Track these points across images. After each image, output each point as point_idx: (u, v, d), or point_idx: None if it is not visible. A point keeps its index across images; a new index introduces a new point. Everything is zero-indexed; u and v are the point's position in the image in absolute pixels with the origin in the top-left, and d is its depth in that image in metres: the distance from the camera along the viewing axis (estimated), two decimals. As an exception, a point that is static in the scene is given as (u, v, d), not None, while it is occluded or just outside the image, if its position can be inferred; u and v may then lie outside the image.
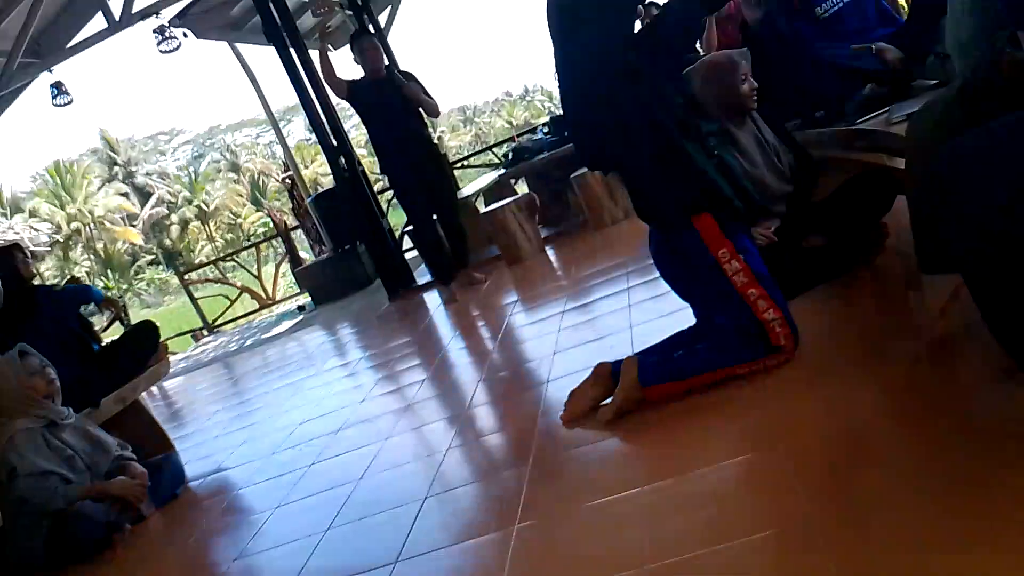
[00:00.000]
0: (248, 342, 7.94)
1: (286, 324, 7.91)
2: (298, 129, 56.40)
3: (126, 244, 40.58)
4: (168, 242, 44.10)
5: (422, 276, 6.70)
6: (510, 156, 6.77)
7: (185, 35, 6.24)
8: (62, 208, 38.50)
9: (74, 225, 38.02)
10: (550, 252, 5.92)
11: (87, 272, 35.93)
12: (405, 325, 5.54)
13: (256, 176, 49.90)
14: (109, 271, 37.66)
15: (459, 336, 4.61)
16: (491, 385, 3.40)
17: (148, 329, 4.69)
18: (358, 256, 8.04)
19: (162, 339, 4.84)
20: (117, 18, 6.06)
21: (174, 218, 44.37)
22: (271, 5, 6.01)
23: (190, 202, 45.32)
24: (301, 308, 8.30)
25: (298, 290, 9.43)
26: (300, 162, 49.33)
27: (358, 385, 4.35)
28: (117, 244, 40.10)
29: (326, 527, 2.54)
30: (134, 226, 41.71)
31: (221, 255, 11.46)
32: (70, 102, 6.67)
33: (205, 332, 9.41)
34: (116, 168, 44.45)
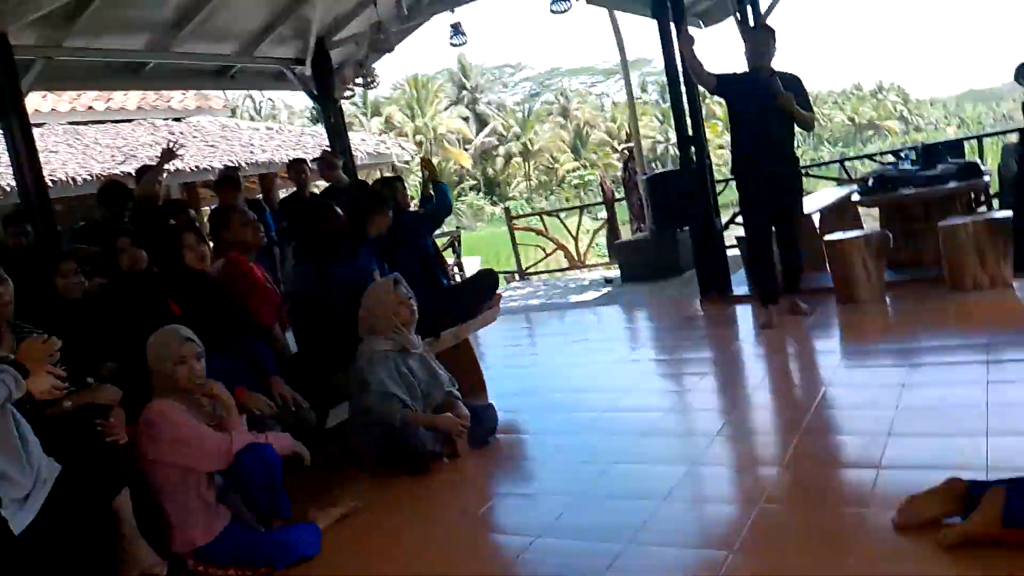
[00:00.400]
0: (552, 299, 8.37)
1: (591, 295, 8.20)
2: (632, 81, 57.10)
3: (456, 166, 44.38)
4: (491, 172, 47.57)
5: (739, 284, 6.53)
6: (870, 181, 6.25)
7: (578, -1, 6.53)
8: (412, 120, 43.05)
9: (418, 138, 42.38)
10: (890, 301, 5.43)
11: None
12: (711, 340, 5.43)
13: (582, 125, 51.64)
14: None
15: (770, 375, 4.40)
16: (807, 451, 3.14)
17: (490, 276, 5.15)
18: (677, 243, 8.04)
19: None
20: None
21: (501, 150, 47.61)
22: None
23: (518, 138, 48.16)
24: (608, 281, 8.52)
25: (607, 260, 9.69)
26: (622, 121, 50.15)
27: (648, 388, 4.41)
28: (449, 164, 44.01)
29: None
30: (466, 150, 45.45)
31: (547, 209, 11.97)
32: (464, 43, 7.21)
33: (516, 277, 10.07)
34: (464, 92, 48.47)
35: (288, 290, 4.44)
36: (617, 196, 9.45)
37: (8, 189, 6.68)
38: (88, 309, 3.43)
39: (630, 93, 9.76)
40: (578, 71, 63.42)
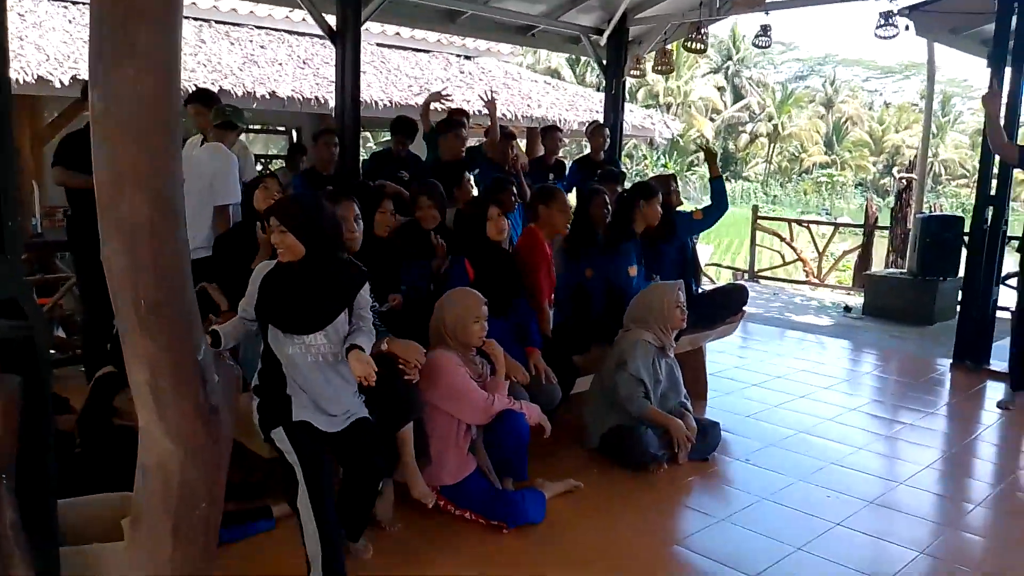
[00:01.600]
0: (782, 314, 8.14)
1: (825, 319, 7.88)
2: (912, 86, 52.01)
3: (697, 133, 43.20)
4: (732, 147, 45.87)
5: (1000, 357, 6.03)
6: None
7: (907, 28, 6.13)
8: (664, 79, 42.21)
9: (667, 99, 41.59)
10: None
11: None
12: (954, 414, 5.12)
13: (843, 120, 48.10)
14: (675, 153, 40.77)
15: (1019, 475, 4.09)
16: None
17: (741, 292, 5.14)
18: (936, 292, 7.51)
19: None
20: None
21: (749, 127, 45.68)
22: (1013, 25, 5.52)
23: (770, 119, 45.86)
24: (848, 309, 8.14)
25: (848, 286, 9.20)
26: (890, 124, 45.99)
27: (878, 451, 4.26)
28: (691, 131, 42.92)
29: None
30: (712, 120, 44.03)
31: (798, 218, 11.50)
32: (768, 45, 6.86)
33: (745, 276, 9.84)
34: (728, 63, 46.65)
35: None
36: (881, 224, 8.88)
37: (323, 101, 7.52)
38: (391, 246, 3.87)
39: (930, 105, 9.00)
40: (854, 62, 58.69)
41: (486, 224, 3.70)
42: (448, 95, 6.47)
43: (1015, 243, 6.81)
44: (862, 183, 43.55)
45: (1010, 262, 6.64)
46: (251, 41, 8.34)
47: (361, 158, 6.33)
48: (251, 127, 9.75)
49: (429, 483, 3.24)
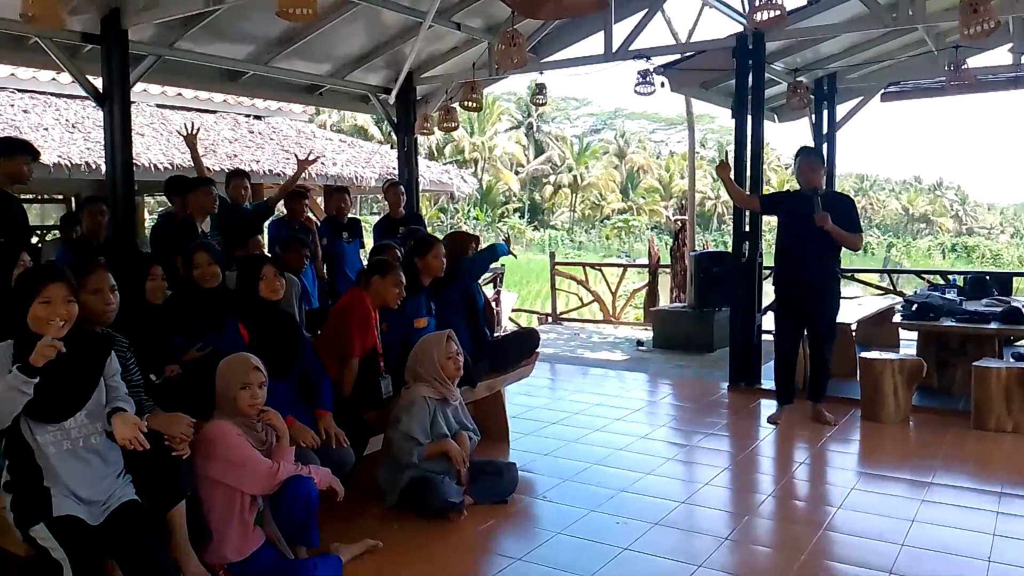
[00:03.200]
0: (580, 352, 8.55)
1: (619, 355, 8.37)
2: (684, 137, 57.31)
3: (505, 187, 44.85)
4: (538, 198, 48.06)
5: (768, 376, 6.67)
6: (914, 307, 6.37)
7: (663, 85, 6.77)
8: (470, 135, 43.65)
9: (474, 155, 42.93)
10: (913, 425, 5.54)
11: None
12: (733, 432, 5.57)
13: (635, 169, 51.92)
14: (485, 205, 42.01)
15: (785, 485, 4.49)
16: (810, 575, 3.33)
17: (533, 336, 5.36)
18: (713, 321, 8.22)
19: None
20: (614, 50, 6.72)
21: (552, 179, 48.10)
22: (748, 82, 6.28)
23: (570, 170, 48.57)
24: (640, 344, 8.69)
25: (641, 321, 9.84)
26: (675, 171, 50.24)
27: (666, 474, 4.57)
28: (498, 184, 44.47)
29: None
30: (517, 173, 45.94)
31: (592, 262, 12.17)
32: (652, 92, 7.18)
33: (550, 319, 10.27)
34: (529, 119, 49.04)
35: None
36: (662, 264, 9.63)
37: (93, 167, 7.05)
38: (165, 314, 3.68)
39: (692, 154, 9.86)
40: (641, 116, 63.83)
41: (260, 283, 3.60)
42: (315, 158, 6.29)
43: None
44: (657, 226, 47.05)
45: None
46: (12, 106, 7.70)
47: (147, 223, 6.01)
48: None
49: (213, 561, 3.06)
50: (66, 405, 2.57)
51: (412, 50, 6.63)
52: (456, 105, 7.22)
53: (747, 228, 6.40)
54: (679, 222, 9.43)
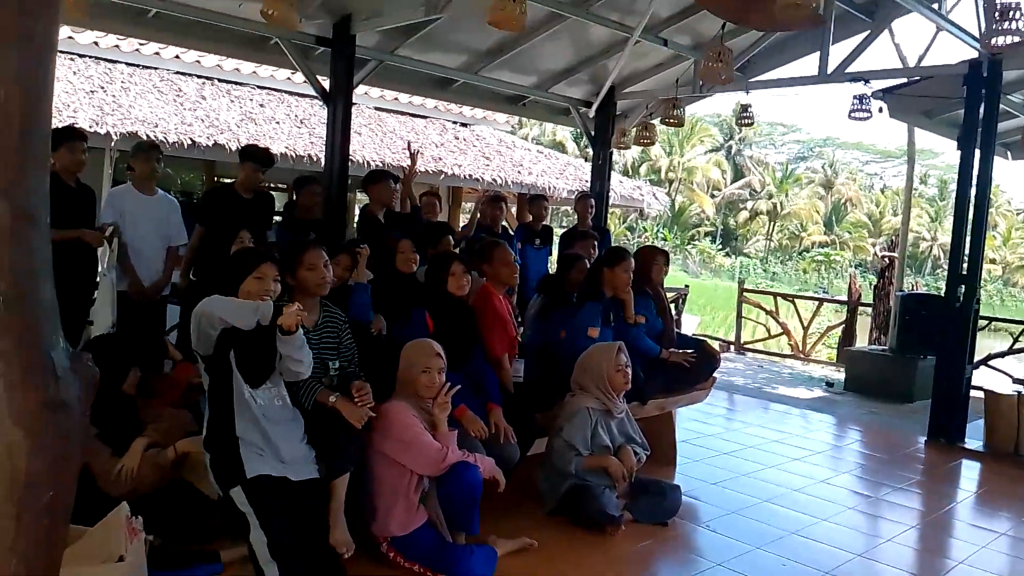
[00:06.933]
0: (762, 385, 8.15)
1: (805, 393, 7.89)
2: (901, 171, 52.91)
3: (698, 209, 43.75)
4: (732, 223, 46.43)
5: (974, 437, 6.03)
6: None
7: (880, 110, 6.34)
8: (668, 155, 43.06)
9: (670, 175, 42.32)
10: None
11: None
12: (925, 491, 5.07)
13: (842, 201, 48.76)
14: (676, 227, 41.26)
15: (980, 556, 4.00)
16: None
17: (712, 358, 5.17)
18: (916, 369, 7.54)
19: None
20: (829, 71, 6.38)
21: (749, 205, 46.29)
22: (979, 113, 5.73)
23: (770, 197, 46.51)
24: (830, 384, 8.15)
25: (833, 361, 9.22)
26: (887, 207, 46.57)
27: (844, 522, 4.22)
28: (692, 206, 43.48)
29: None
30: (713, 196, 44.67)
31: (785, 292, 11.60)
32: (751, 123, 7.19)
33: (732, 348, 9.89)
34: (730, 142, 47.65)
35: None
36: (864, 300, 8.97)
37: (315, 159, 7.73)
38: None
39: (910, 187, 9.17)
40: (855, 146, 59.89)
41: (448, 279, 3.78)
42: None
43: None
44: (861, 264, 43.93)
45: (991, 343, 6.70)
46: (251, 99, 8.61)
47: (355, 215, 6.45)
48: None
49: (378, 533, 3.24)
50: (266, 370, 2.83)
51: (616, 65, 6.67)
52: (655, 121, 7.16)
53: (964, 271, 5.82)
54: (886, 258, 8.74)
